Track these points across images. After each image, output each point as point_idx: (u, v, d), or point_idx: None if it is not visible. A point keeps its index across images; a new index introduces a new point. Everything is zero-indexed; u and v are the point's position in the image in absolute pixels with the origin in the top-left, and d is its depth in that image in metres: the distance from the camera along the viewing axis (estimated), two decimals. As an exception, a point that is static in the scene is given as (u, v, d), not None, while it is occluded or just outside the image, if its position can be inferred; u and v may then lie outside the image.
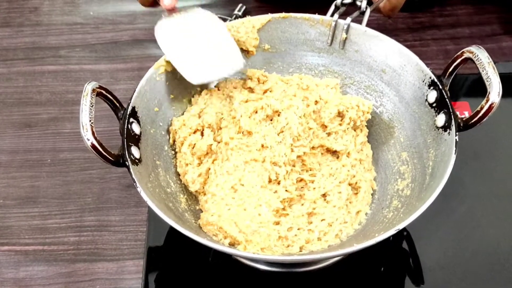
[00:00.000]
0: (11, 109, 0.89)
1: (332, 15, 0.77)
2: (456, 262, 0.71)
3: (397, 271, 0.71)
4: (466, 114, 0.83)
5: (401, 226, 0.58)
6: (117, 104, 0.68)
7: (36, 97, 0.90)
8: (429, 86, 0.70)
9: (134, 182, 0.62)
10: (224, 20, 0.96)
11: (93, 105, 0.63)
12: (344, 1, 0.77)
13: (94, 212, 0.77)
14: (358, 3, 0.77)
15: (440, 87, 0.68)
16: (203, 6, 1.02)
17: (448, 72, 0.69)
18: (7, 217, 0.77)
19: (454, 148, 0.63)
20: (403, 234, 0.73)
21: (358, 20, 0.76)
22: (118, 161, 0.63)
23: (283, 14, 0.78)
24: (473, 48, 0.66)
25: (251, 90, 0.77)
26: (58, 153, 0.83)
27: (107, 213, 0.77)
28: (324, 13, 0.78)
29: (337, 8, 0.77)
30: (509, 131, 0.81)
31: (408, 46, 0.74)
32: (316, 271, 0.70)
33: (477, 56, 0.64)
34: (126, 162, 0.63)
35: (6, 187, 0.80)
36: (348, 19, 0.75)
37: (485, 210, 0.75)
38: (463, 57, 0.67)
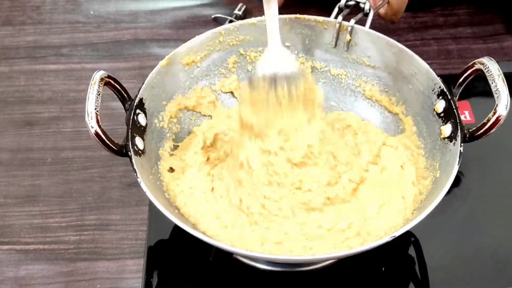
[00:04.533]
0: (12, 107, 0.89)
1: (336, 17, 0.77)
2: (457, 263, 0.71)
3: (400, 271, 0.71)
4: (467, 114, 0.83)
5: (397, 233, 0.58)
6: (125, 95, 0.68)
7: (37, 95, 0.90)
8: (438, 95, 0.70)
9: (135, 172, 0.62)
10: (225, 20, 0.97)
11: (100, 94, 0.63)
12: (348, 3, 0.77)
13: (95, 211, 0.77)
14: (362, 5, 0.77)
15: (449, 97, 0.68)
16: (203, 6, 1.03)
17: (458, 83, 0.69)
18: (7, 216, 0.77)
19: (458, 159, 0.63)
20: (409, 238, 0.73)
21: (361, 21, 0.76)
22: (121, 151, 0.64)
23: (296, 15, 0.78)
24: (484, 60, 0.66)
25: None
26: (59, 152, 0.83)
27: (108, 212, 0.77)
28: (327, 13, 0.78)
29: (340, 10, 0.77)
30: None
31: (409, 46, 0.74)
32: (317, 270, 0.70)
33: (488, 67, 0.65)
34: (129, 152, 0.63)
35: (7, 186, 0.80)
36: (352, 21, 0.75)
37: (486, 211, 0.75)
38: (473, 68, 0.67)
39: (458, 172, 0.62)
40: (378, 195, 0.69)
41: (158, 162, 0.70)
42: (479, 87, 0.79)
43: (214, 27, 0.77)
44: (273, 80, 0.67)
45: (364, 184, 0.70)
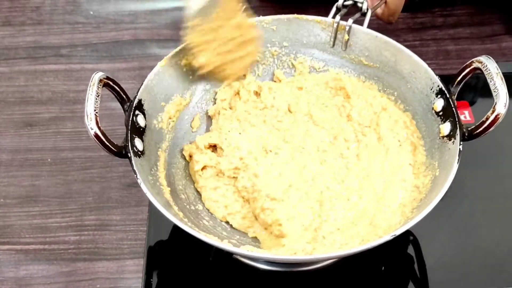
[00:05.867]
0: (12, 108, 0.89)
1: (333, 17, 0.77)
2: (456, 262, 0.71)
3: (399, 270, 0.72)
4: (466, 114, 0.83)
5: (398, 232, 0.59)
6: (124, 96, 0.68)
7: (37, 96, 0.90)
8: (437, 94, 0.70)
9: (135, 173, 0.62)
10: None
11: (99, 95, 0.63)
12: (346, 3, 0.77)
13: (95, 211, 0.77)
14: (359, 4, 0.77)
15: (448, 96, 0.68)
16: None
17: (456, 81, 0.69)
18: (7, 216, 0.77)
19: (457, 158, 0.63)
20: (408, 237, 0.73)
21: (359, 21, 0.76)
22: (121, 152, 0.64)
23: (295, 15, 0.78)
24: (482, 58, 0.66)
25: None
26: (59, 152, 0.83)
27: (107, 212, 0.77)
28: (326, 13, 0.78)
29: (338, 9, 0.77)
30: (511, 132, 0.81)
31: (408, 46, 0.74)
32: (317, 270, 0.70)
33: (486, 66, 0.65)
34: (129, 154, 0.63)
35: (7, 186, 0.80)
36: (350, 20, 0.75)
37: (485, 210, 0.75)
38: (472, 67, 0.67)
39: (457, 171, 0.62)
40: (380, 170, 0.71)
41: (157, 163, 0.70)
42: (479, 88, 0.79)
43: (214, 28, 0.77)
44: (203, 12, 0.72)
45: (366, 149, 0.73)
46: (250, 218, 0.71)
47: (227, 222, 0.71)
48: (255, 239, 0.69)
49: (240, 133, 0.75)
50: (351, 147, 0.73)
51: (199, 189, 0.73)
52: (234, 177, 0.73)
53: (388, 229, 0.65)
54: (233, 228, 0.71)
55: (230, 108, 0.78)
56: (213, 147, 0.76)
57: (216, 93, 0.79)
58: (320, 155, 0.73)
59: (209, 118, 0.79)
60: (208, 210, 0.72)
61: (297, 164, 0.72)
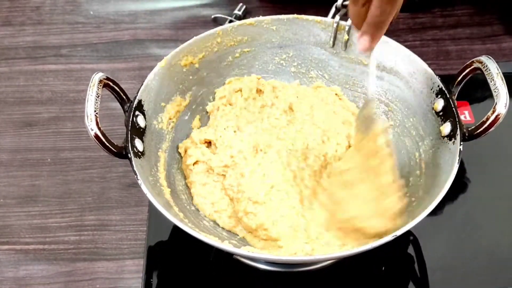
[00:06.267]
0: (12, 108, 0.89)
1: (333, 17, 0.77)
2: (456, 262, 0.71)
3: (399, 270, 0.72)
4: (466, 114, 0.83)
5: (398, 232, 0.58)
6: (124, 97, 0.68)
7: (37, 96, 0.90)
8: (437, 94, 0.70)
9: (135, 174, 0.62)
10: (224, 20, 0.97)
11: (99, 96, 0.63)
12: (345, 3, 0.77)
13: (95, 211, 0.77)
14: None
15: (448, 96, 0.68)
16: (202, 6, 1.03)
17: (456, 81, 0.69)
18: (7, 216, 0.77)
19: (458, 158, 0.63)
20: (408, 238, 0.73)
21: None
22: (121, 152, 0.64)
23: (294, 16, 0.78)
24: (482, 58, 0.66)
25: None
26: (59, 152, 0.83)
27: (107, 212, 0.77)
28: (325, 13, 0.78)
29: (337, 9, 0.77)
30: (511, 132, 0.81)
31: (408, 47, 0.74)
32: (317, 271, 0.70)
33: (486, 66, 0.65)
34: (129, 154, 0.63)
35: (7, 186, 0.80)
36: (349, 20, 0.75)
37: (485, 210, 0.75)
38: (472, 67, 0.67)
39: (458, 171, 0.62)
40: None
41: (158, 164, 0.70)
42: (479, 88, 0.79)
43: (214, 28, 0.77)
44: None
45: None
46: (236, 218, 0.71)
47: (214, 221, 0.71)
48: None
49: (235, 131, 0.75)
50: (338, 150, 0.73)
51: (189, 184, 0.73)
52: (223, 174, 0.73)
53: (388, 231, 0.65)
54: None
55: (230, 104, 0.78)
56: (208, 143, 0.76)
57: (215, 93, 0.79)
58: (305, 152, 0.73)
59: (208, 116, 0.79)
60: (196, 206, 0.72)
61: (282, 163, 0.71)
